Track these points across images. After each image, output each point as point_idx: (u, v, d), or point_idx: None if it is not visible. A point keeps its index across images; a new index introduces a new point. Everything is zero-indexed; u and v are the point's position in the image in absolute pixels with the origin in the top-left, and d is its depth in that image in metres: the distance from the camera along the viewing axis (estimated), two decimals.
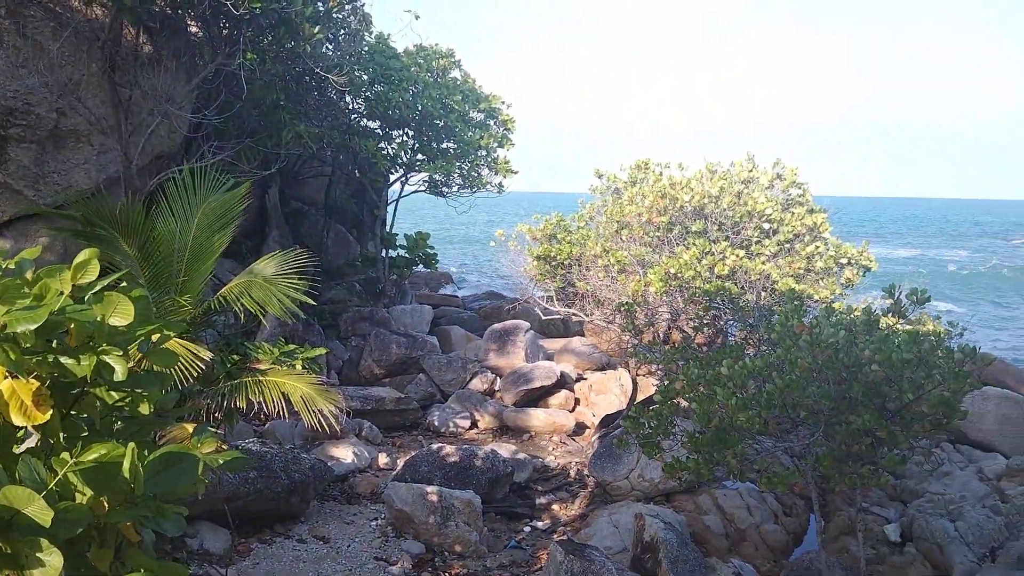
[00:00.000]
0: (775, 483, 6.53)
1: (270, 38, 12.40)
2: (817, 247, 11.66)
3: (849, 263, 11.85)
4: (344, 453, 12.50)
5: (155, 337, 2.92)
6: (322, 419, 8.41)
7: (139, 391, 2.86)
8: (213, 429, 8.23)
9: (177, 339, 7.30)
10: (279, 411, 8.15)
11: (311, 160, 19.93)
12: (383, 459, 13.00)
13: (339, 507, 11.11)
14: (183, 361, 7.33)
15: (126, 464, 2.47)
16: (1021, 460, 13.37)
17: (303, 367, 9.99)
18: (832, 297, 11.01)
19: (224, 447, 7.45)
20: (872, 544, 11.17)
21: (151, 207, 8.53)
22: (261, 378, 8.62)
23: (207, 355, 7.85)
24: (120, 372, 2.65)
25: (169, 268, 8.44)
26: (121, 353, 2.68)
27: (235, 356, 9.31)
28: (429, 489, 9.99)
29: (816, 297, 10.78)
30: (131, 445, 2.50)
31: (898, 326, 7.60)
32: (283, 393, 8.34)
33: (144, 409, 2.95)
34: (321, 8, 12.58)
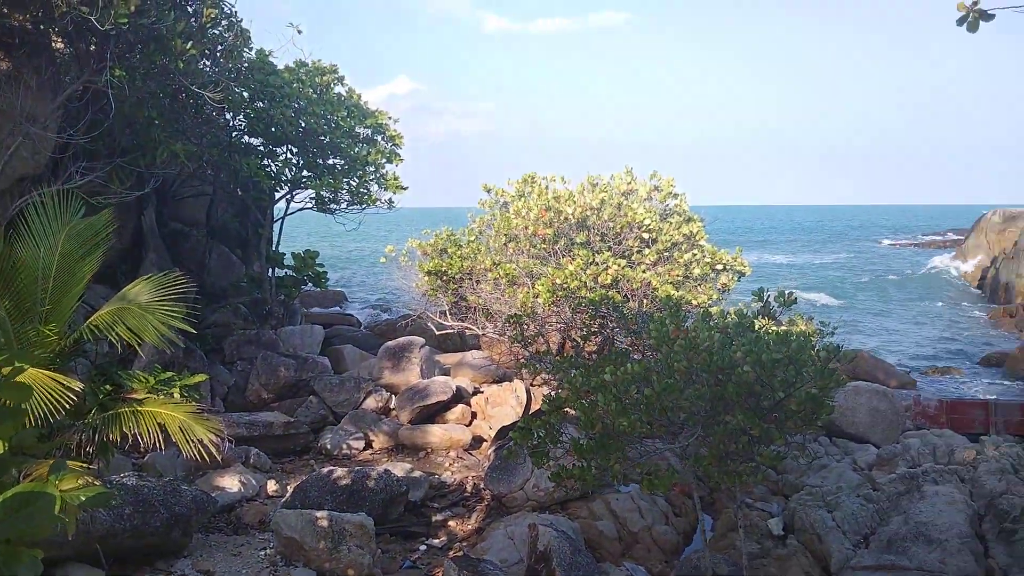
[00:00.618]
0: (656, 485, 6.71)
1: (140, 54, 11.93)
2: (694, 254, 12.10)
3: (725, 269, 12.36)
4: (230, 482, 12.06)
5: (5, 370, 2.75)
6: (202, 448, 8.09)
7: None
8: (85, 465, 7.79)
9: (44, 371, 6.89)
10: (155, 442, 7.80)
11: (190, 179, 19.25)
12: (272, 486, 12.62)
13: (225, 539, 10.71)
14: (51, 394, 6.91)
15: None
16: (889, 449, 14.24)
17: (182, 395, 9.61)
18: (709, 302, 11.45)
19: (94, 482, 7.08)
20: (757, 538, 11.63)
21: (11, 233, 8.03)
22: (137, 408, 8.23)
23: (77, 386, 7.44)
24: None
25: (32, 297, 7.95)
26: None
27: (108, 387, 8.87)
28: (319, 514, 9.75)
29: (695, 302, 11.18)
30: None
31: (770, 327, 7.96)
32: (160, 423, 7.98)
33: None
34: (194, 24, 12.20)
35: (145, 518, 9.27)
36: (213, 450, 8.27)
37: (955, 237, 79.89)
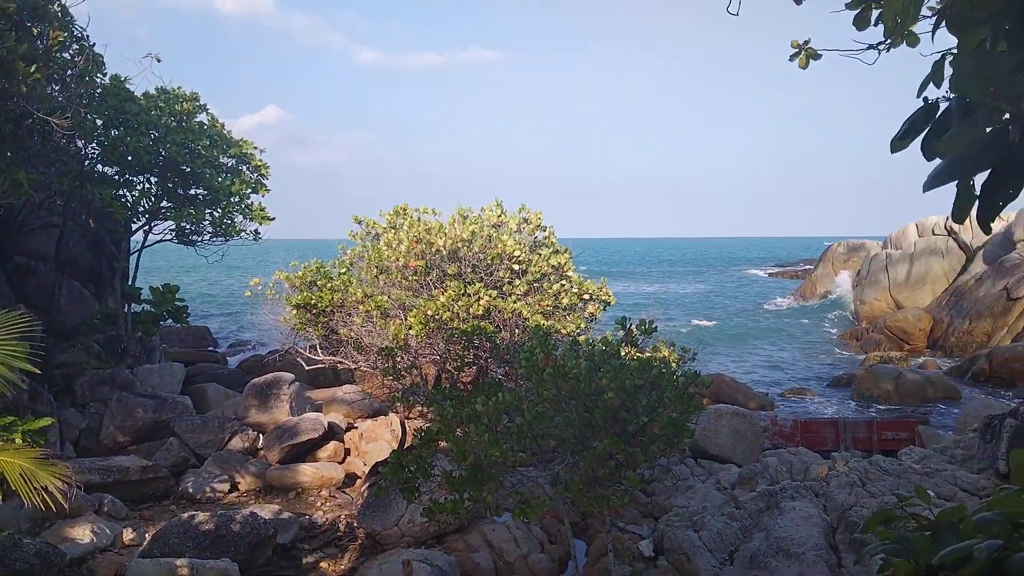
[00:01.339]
0: (528, 513, 6.76)
1: None
2: (563, 285, 12.40)
3: (592, 299, 12.73)
4: (81, 532, 11.24)
5: None
6: (48, 497, 7.52)
7: None
8: None
9: None
10: None
11: (37, 210, 18.04)
12: (128, 535, 11.84)
13: None
14: None
15: None
16: (749, 468, 14.89)
17: (24, 440, 8.93)
18: (578, 331, 11.74)
19: None
20: (629, 561, 11.87)
21: None
22: None
23: None
24: None
25: None
26: None
27: None
28: (179, 562, 9.24)
29: (563, 331, 11.43)
30: None
31: (635, 355, 8.23)
32: None
33: None
34: (39, 46, 11.53)
35: None
36: (60, 498, 7.72)
37: (806, 267, 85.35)
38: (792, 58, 4.63)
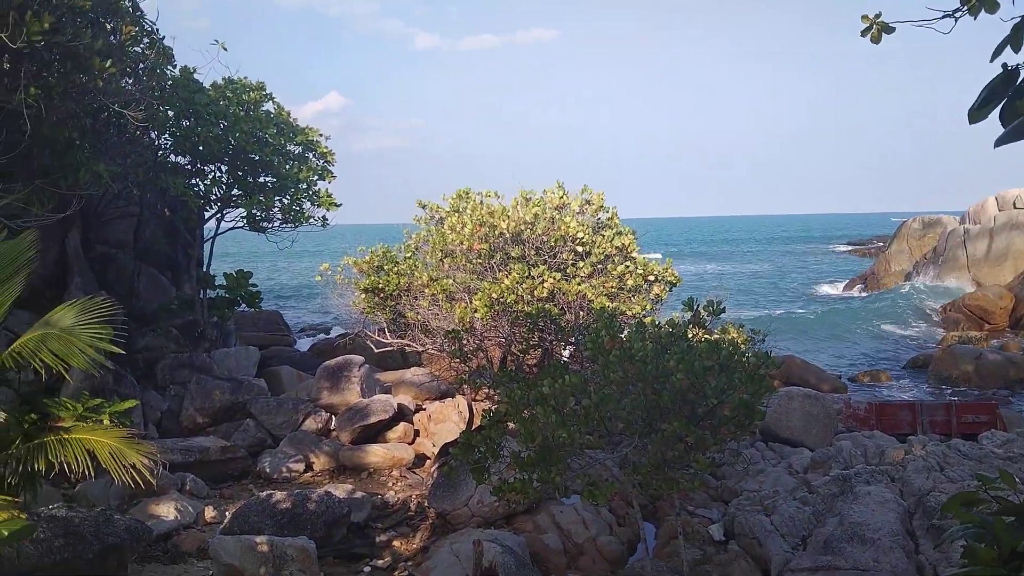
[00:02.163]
0: (596, 495, 6.78)
1: (57, 73, 11.58)
2: (627, 266, 12.30)
3: (657, 280, 12.59)
4: (166, 510, 11.72)
5: None
6: (136, 475, 7.85)
7: None
8: (10, 498, 7.51)
9: None
10: (85, 471, 7.53)
11: (116, 200, 18.72)
12: (210, 513, 12.30)
13: (162, 568, 10.40)
14: None
15: None
16: (822, 452, 14.61)
17: (112, 422, 9.32)
18: (643, 312, 11.64)
19: (19, 515, 6.82)
20: (699, 545, 11.80)
21: None
22: (64, 437, 7.94)
23: (0, 416, 7.19)
24: None
25: None
26: None
27: (33, 415, 8.54)
28: (259, 539, 9.54)
29: (629, 313, 11.35)
30: None
31: (702, 336, 8.14)
32: (89, 451, 7.72)
33: None
34: (113, 41, 11.91)
35: (76, 550, 8.94)
36: (147, 475, 8.04)
37: (879, 244, 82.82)
38: (864, 33, 4.47)
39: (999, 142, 2.45)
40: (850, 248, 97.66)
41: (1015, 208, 40.79)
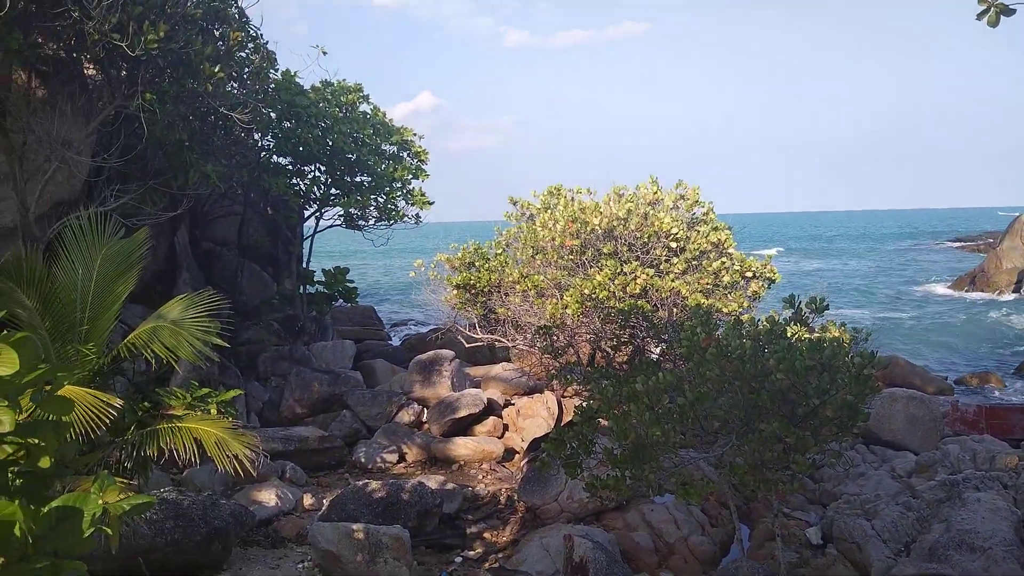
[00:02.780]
0: (691, 494, 6.68)
1: (170, 79, 12.17)
2: (723, 262, 12.05)
3: (755, 277, 12.28)
4: (267, 496, 12.17)
5: (47, 387, 2.81)
6: (238, 463, 8.18)
7: (35, 442, 2.74)
8: (126, 480, 7.94)
9: (84, 388, 7.05)
10: (192, 458, 7.90)
11: (221, 200, 19.55)
12: (308, 500, 12.72)
13: (263, 552, 10.79)
14: (91, 410, 7.06)
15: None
16: (927, 456, 13.99)
17: (218, 411, 9.74)
18: (740, 310, 11.38)
19: (139, 495, 7.17)
20: (796, 548, 11.49)
21: (50, 255, 8.25)
22: (175, 424, 8.35)
23: (117, 403, 7.60)
24: (7, 423, 2.54)
25: (71, 317, 8.15)
26: (6, 403, 2.57)
27: (146, 403, 9.01)
28: (355, 527, 9.80)
29: (725, 310, 11.12)
30: (16, 501, 2.40)
31: (803, 334, 7.91)
32: (196, 439, 8.09)
33: (44, 463, 2.82)
34: (221, 47, 12.43)
35: (186, 532, 9.39)
36: (248, 465, 8.37)
37: (989, 240, 78.48)
38: (980, 16, 4.24)
39: None
40: (957, 244, 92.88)
41: None
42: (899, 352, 26.47)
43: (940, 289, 51.94)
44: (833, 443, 7.39)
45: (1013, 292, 44.43)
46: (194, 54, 11.58)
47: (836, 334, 8.88)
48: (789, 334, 7.81)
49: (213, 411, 9.58)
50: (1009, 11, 4.25)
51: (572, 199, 14.17)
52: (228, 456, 8.12)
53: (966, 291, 49.02)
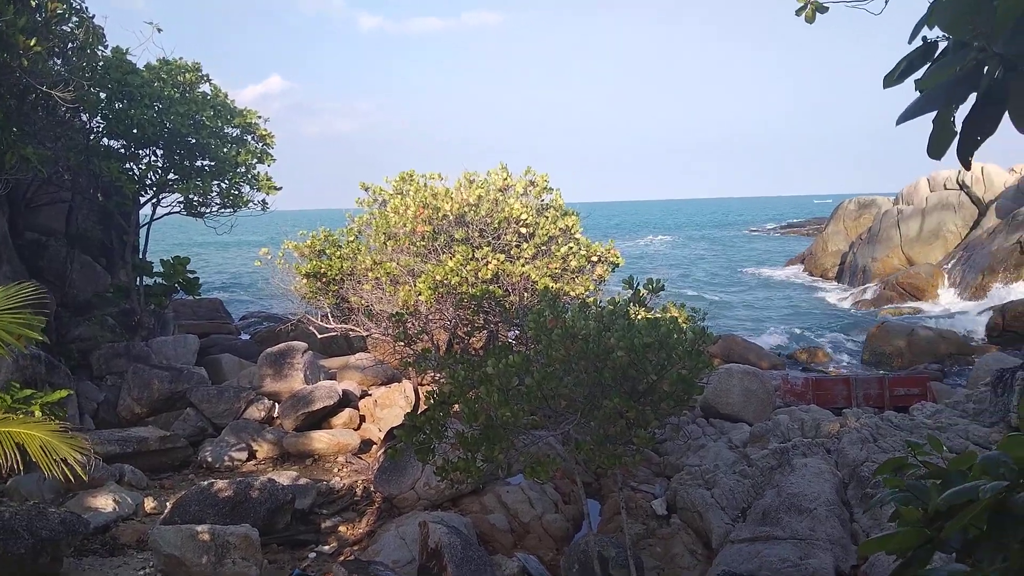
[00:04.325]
0: (539, 472, 6.84)
1: None
2: (571, 247, 12.38)
3: (600, 261, 12.70)
4: (103, 502, 11.45)
5: None
6: (67, 468, 7.64)
7: None
8: None
9: None
10: (14, 465, 7.30)
11: (46, 185, 18.10)
12: (150, 504, 12.06)
13: (101, 561, 10.15)
14: None
15: None
16: (761, 427, 14.97)
17: (43, 413, 9.06)
18: (586, 293, 11.74)
19: None
20: (643, 520, 12.02)
21: None
22: None
23: None
24: None
25: None
26: None
27: None
28: (200, 528, 9.39)
29: (572, 294, 11.44)
30: None
31: (643, 314, 8.24)
32: (18, 444, 7.49)
33: None
34: (39, 19, 11.47)
35: (7, 545, 8.68)
36: (79, 469, 7.83)
37: (816, 226, 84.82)
38: (799, 12, 4.55)
39: (901, 119, 2.54)
40: (784, 230, 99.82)
41: (946, 189, 42.16)
42: (736, 330, 28.17)
43: (774, 271, 55.70)
44: (672, 417, 7.77)
45: (837, 273, 48.24)
46: (5, 25, 10.60)
47: (675, 314, 9.32)
48: (631, 315, 8.12)
49: (37, 413, 8.92)
50: (823, 8, 4.59)
51: (424, 185, 14.10)
52: (56, 461, 7.58)
53: (796, 272, 52.84)
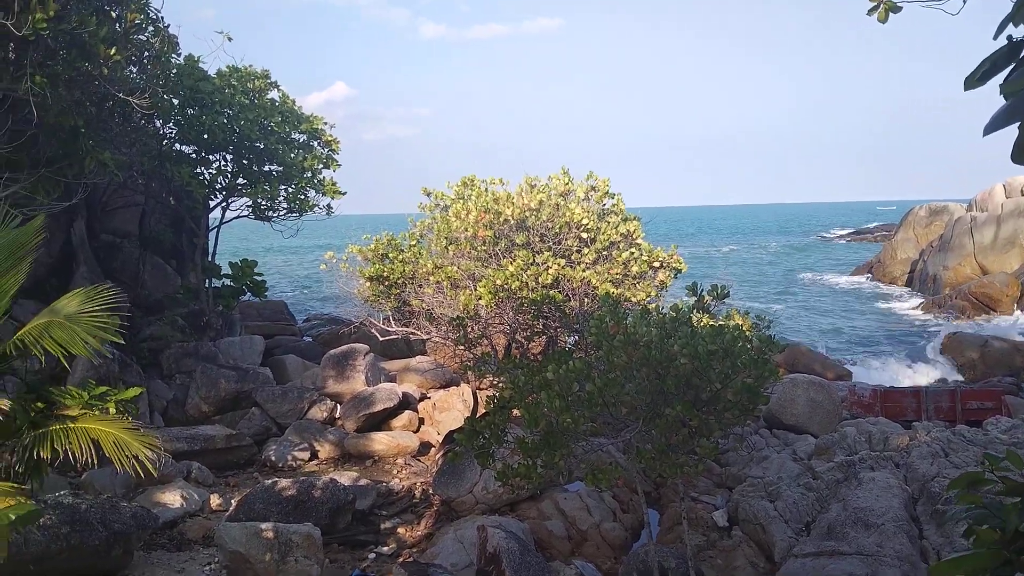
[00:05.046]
0: (600, 479, 6.78)
1: (62, 61, 11.56)
2: (632, 253, 12.27)
3: (662, 266, 12.56)
4: (171, 498, 11.78)
5: None
6: (139, 464, 7.86)
7: None
8: (16, 486, 7.54)
9: None
10: (89, 459, 7.55)
11: (121, 189, 18.76)
12: (216, 500, 12.36)
13: (168, 555, 10.44)
14: None
15: None
16: (827, 439, 14.60)
17: (117, 410, 9.35)
18: (648, 299, 11.62)
19: (25, 501, 6.85)
20: (703, 531, 11.83)
21: None
22: (69, 425, 7.96)
23: (4, 404, 7.21)
24: None
25: None
26: None
27: (39, 403, 8.57)
28: (264, 526, 9.58)
29: (634, 300, 11.33)
30: None
31: (706, 321, 8.12)
32: (93, 440, 7.74)
33: None
34: (118, 29, 11.88)
35: (83, 537, 8.98)
36: (149, 466, 8.05)
37: (884, 233, 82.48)
38: (870, 12, 4.42)
39: (987, 130, 2.42)
40: (851, 237, 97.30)
41: (1022, 195, 40.54)
42: (801, 339, 27.55)
43: (840, 279, 54.34)
44: (736, 427, 7.62)
45: (906, 281, 46.81)
46: (88, 35, 11.02)
47: (739, 321, 9.14)
48: (694, 322, 8.01)
49: (112, 410, 9.20)
50: (896, 8, 4.45)
51: (486, 190, 14.14)
52: (128, 457, 7.81)
53: (864, 281, 51.44)
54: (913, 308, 38.98)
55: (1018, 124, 2.41)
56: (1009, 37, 2.57)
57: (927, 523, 11.18)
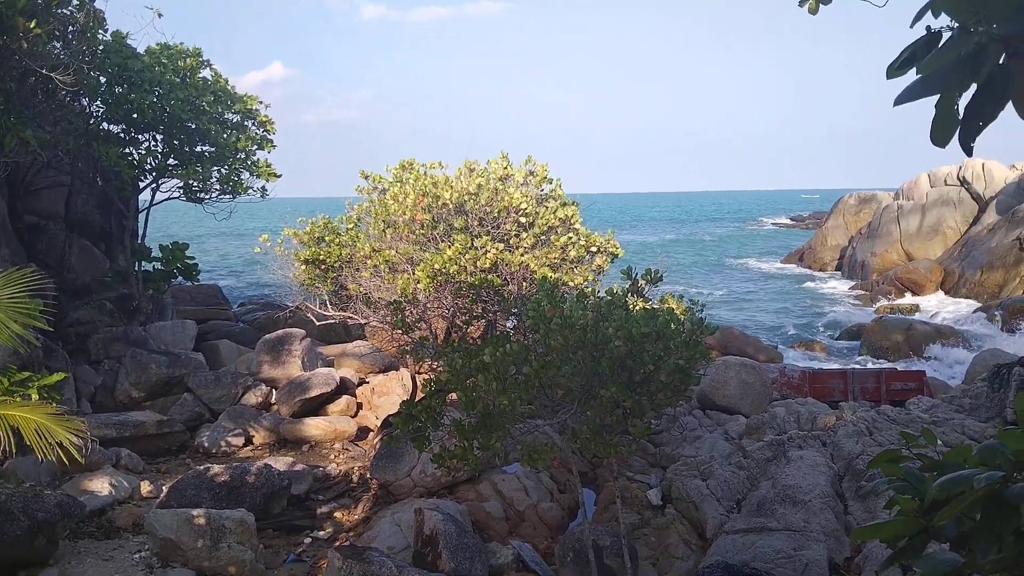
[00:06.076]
0: (536, 459, 6.86)
1: None
2: (570, 237, 12.38)
3: (599, 251, 12.70)
4: (99, 485, 11.46)
5: None
6: (63, 451, 7.65)
7: None
8: None
9: None
10: (9, 447, 7.31)
11: (45, 169, 18.05)
12: (146, 487, 12.09)
13: (96, 544, 10.17)
14: None
15: None
16: (757, 419, 15.00)
17: (40, 396, 9.07)
18: (585, 283, 11.74)
19: None
20: (637, 510, 12.05)
21: None
22: None
23: None
24: None
25: None
26: None
27: None
28: (196, 512, 9.41)
29: (571, 284, 11.43)
30: None
31: (640, 305, 8.24)
32: (13, 427, 7.49)
33: None
34: (39, 1, 11.40)
35: (3, 527, 8.70)
36: (74, 452, 7.84)
37: (816, 220, 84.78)
38: (801, 3, 4.52)
39: (900, 99, 2.51)
40: (783, 224, 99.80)
41: (946, 185, 42.15)
42: (734, 323, 28.21)
43: (772, 265, 55.74)
44: (669, 407, 7.78)
45: (836, 267, 48.26)
46: (5, 6, 10.54)
47: (673, 305, 9.31)
48: (629, 305, 8.12)
49: (34, 396, 8.93)
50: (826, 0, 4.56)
51: (424, 173, 14.06)
52: (52, 444, 7.59)
53: (795, 267, 52.88)
54: (842, 292, 40.27)
55: (934, 105, 2.51)
56: (927, 27, 2.66)
57: (852, 499, 11.60)
